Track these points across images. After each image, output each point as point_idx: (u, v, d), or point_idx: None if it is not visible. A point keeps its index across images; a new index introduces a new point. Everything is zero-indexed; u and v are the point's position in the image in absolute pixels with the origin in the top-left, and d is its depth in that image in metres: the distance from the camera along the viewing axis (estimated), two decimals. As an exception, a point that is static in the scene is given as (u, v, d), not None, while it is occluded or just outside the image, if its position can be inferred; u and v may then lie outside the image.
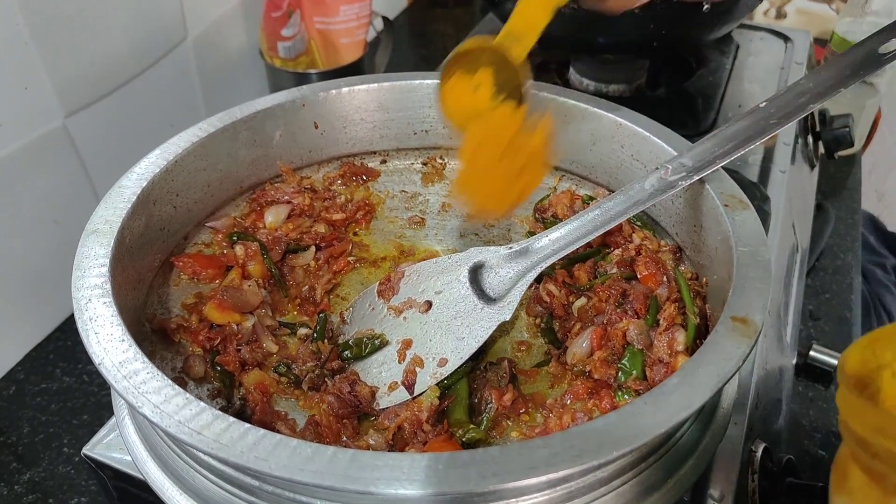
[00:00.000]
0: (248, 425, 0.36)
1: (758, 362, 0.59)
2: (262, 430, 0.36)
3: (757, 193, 0.69)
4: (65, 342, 0.84)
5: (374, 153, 0.69)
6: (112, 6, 0.79)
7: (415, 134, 0.69)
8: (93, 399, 0.78)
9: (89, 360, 0.41)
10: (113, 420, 0.51)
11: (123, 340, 0.41)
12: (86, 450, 0.51)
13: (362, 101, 0.66)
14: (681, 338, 0.48)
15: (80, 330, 0.42)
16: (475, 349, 0.51)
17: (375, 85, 0.65)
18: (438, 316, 0.53)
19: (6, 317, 0.79)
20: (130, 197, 0.51)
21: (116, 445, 0.50)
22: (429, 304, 0.54)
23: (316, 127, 0.65)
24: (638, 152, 0.60)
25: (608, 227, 0.52)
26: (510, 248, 0.53)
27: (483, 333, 0.51)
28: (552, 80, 0.92)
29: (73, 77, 0.77)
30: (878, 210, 1.45)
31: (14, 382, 0.79)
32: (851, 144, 0.90)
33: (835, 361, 0.81)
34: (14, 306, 0.79)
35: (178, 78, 0.93)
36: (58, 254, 0.80)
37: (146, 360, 0.40)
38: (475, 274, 0.54)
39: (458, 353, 0.51)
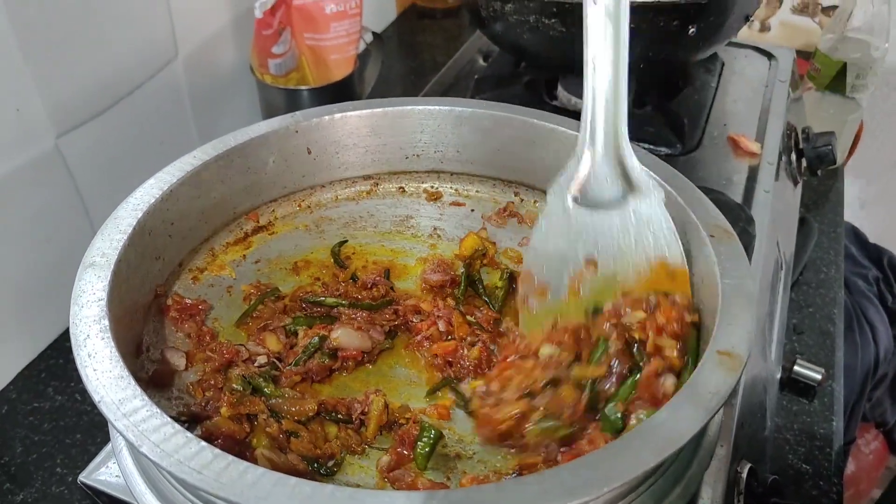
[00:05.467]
0: (247, 464, 0.37)
1: (743, 382, 0.60)
2: (261, 469, 0.37)
3: (742, 215, 0.70)
4: (56, 360, 0.83)
5: (367, 177, 0.70)
6: (103, 26, 0.79)
7: (406, 158, 0.70)
8: (85, 418, 0.78)
9: (81, 379, 0.42)
10: (109, 446, 0.51)
11: (122, 377, 0.42)
12: (82, 477, 0.51)
13: (355, 127, 0.67)
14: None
15: (79, 367, 0.42)
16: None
17: (368, 111, 0.66)
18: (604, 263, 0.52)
19: (-2, 336, 0.79)
20: (126, 228, 0.52)
21: (113, 472, 0.50)
22: (593, 263, 0.53)
23: (309, 152, 0.66)
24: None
25: None
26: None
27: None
28: (540, 97, 0.93)
29: (64, 97, 0.78)
30: (860, 218, 1.47)
31: (6, 402, 0.79)
32: (834, 162, 0.92)
33: (818, 376, 0.83)
34: (6, 325, 0.79)
35: (168, 96, 0.93)
36: (50, 273, 0.80)
37: (145, 397, 0.41)
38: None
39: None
